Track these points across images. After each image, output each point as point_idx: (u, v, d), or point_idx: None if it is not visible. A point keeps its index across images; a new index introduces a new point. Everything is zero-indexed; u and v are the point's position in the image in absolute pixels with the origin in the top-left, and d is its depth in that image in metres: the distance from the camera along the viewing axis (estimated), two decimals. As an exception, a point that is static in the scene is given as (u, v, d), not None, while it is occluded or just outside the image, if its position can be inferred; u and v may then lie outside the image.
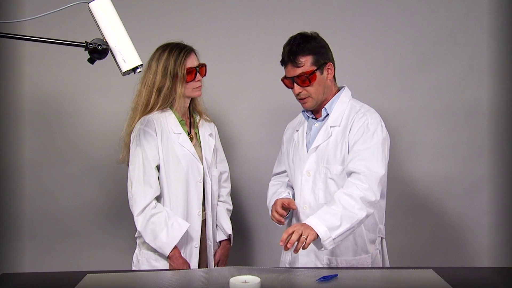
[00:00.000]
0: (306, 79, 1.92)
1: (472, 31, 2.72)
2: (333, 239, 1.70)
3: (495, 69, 2.72)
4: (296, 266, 2.01)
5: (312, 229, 1.68)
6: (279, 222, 2.00)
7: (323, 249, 1.72)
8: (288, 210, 2.02)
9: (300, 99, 1.98)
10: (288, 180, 2.19)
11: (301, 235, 1.64)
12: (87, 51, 1.63)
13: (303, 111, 2.09)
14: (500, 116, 2.74)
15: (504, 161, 2.76)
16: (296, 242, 1.64)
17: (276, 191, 2.16)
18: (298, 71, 1.92)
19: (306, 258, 1.99)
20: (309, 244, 1.66)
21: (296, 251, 1.67)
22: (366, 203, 1.78)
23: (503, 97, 2.74)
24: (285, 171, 2.22)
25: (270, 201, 2.14)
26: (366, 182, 1.80)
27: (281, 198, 2.03)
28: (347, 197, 1.77)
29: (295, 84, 1.94)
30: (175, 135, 2.10)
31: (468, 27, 2.72)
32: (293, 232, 1.65)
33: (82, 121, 2.75)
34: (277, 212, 1.98)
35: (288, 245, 1.63)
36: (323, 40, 1.99)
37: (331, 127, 1.98)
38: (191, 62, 2.09)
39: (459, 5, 2.72)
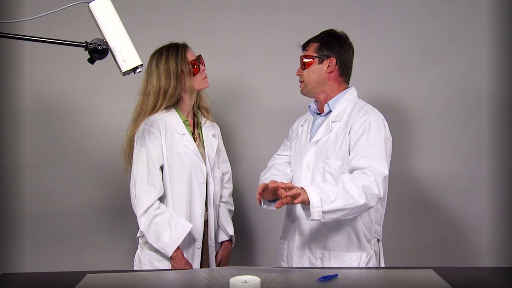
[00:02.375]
0: (303, 63, 2.04)
1: (472, 31, 2.72)
2: (323, 211, 1.73)
3: (495, 69, 2.72)
4: (291, 259, 2.04)
5: (307, 197, 1.72)
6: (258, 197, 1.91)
7: (310, 218, 1.74)
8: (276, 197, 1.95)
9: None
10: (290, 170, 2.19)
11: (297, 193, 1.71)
12: (87, 51, 1.63)
13: (308, 107, 2.13)
14: (500, 116, 2.74)
15: (504, 161, 2.76)
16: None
17: (275, 175, 2.12)
18: (304, 53, 2.06)
19: (300, 251, 2.02)
20: (298, 201, 1.70)
21: (285, 199, 1.71)
22: (368, 193, 1.78)
23: (503, 96, 2.74)
24: (287, 156, 2.23)
25: (267, 178, 2.07)
26: (372, 175, 1.82)
27: (280, 182, 1.87)
28: (350, 182, 1.79)
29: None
30: (179, 135, 2.10)
31: (468, 27, 2.72)
32: (291, 190, 1.70)
33: (82, 121, 2.75)
34: (259, 191, 1.88)
35: (283, 196, 1.70)
36: (343, 38, 2.04)
37: (332, 122, 2.00)
38: (191, 56, 2.12)
39: (459, 5, 2.72)
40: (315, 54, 2.01)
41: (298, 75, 2.07)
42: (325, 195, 1.74)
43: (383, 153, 1.88)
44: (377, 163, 1.85)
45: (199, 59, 2.13)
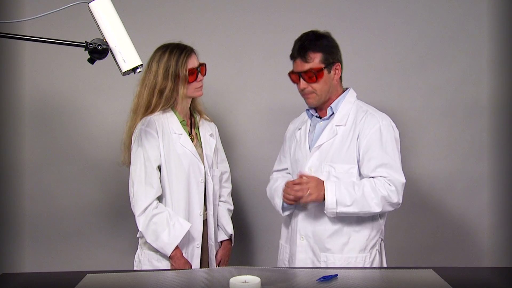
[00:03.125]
0: (313, 76, 1.94)
1: (472, 31, 2.72)
2: (337, 212, 1.86)
3: (495, 69, 2.72)
4: (294, 263, 2.03)
5: (322, 194, 1.84)
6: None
7: (324, 212, 1.89)
8: None
9: (304, 95, 2.01)
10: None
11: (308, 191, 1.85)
12: (87, 51, 1.63)
13: (307, 110, 2.11)
14: (500, 115, 2.75)
15: (504, 160, 2.76)
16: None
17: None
18: (306, 66, 1.95)
19: (304, 255, 2.01)
20: (310, 201, 1.87)
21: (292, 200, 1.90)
22: (386, 202, 1.87)
23: (503, 96, 2.74)
24: (286, 169, 2.22)
25: (277, 189, 2.11)
26: (393, 185, 1.88)
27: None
28: (371, 189, 1.87)
29: (301, 80, 1.97)
30: (176, 135, 2.10)
31: (468, 27, 2.72)
32: (303, 188, 1.86)
33: (82, 121, 2.75)
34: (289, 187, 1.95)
35: (290, 197, 1.88)
36: (334, 40, 2.02)
37: (336, 126, 1.98)
38: (192, 62, 2.09)
39: (459, 5, 2.72)
40: (323, 65, 1.94)
41: (304, 88, 1.96)
42: (342, 198, 1.85)
43: (398, 159, 1.94)
44: (395, 171, 1.91)
45: (199, 67, 2.10)
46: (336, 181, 1.91)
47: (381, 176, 1.89)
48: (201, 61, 2.14)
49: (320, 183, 1.87)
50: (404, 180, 1.91)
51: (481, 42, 2.72)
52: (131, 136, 2.11)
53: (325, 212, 1.88)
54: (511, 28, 2.70)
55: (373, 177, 1.90)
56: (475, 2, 2.71)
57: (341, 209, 1.86)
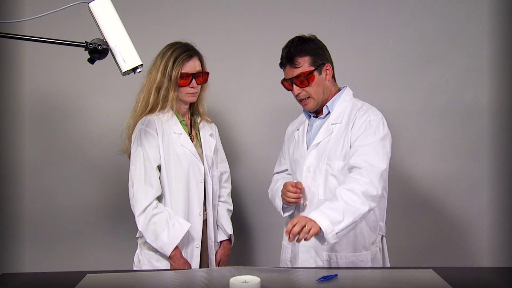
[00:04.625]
0: (304, 80, 1.95)
1: (472, 31, 2.72)
2: (336, 233, 1.71)
3: (495, 69, 2.72)
4: (296, 263, 2.03)
5: (315, 222, 1.68)
6: (297, 199, 1.98)
7: (326, 243, 1.73)
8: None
9: (300, 101, 2.02)
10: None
11: (304, 226, 1.65)
12: (87, 51, 1.63)
13: (304, 110, 2.12)
14: (500, 116, 2.74)
15: (504, 161, 2.76)
16: (298, 235, 1.65)
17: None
18: (296, 71, 1.96)
19: (306, 255, 2.00)
20: (311, 236, 1.66)
21: (298, 241, 1.67)
22: (368, 197, 1.78)
23: (503, 97, 2.74)
24: (286, 170, 2.23)
25: (277, 190, 2.13)
26: (367, 176, 1.81)
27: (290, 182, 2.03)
28: (349, 192, 1.78)
29: (294, 85, 1.98)
30: (176, 135, 2.10)
31: (468, 27, 2.72)
32: (296, 223, 1.66)
33: (82, 121, 2.75)
34: (290, 191, 1.97)
35: (291, 236, 1.64)
36: (320, 42, 2.02)
37: (332, 124, 1.99)
38: (190, 67, 2.06)
39: (459, 5, 2.72)
40: (312, 68, 1.95)
41: (298, 93, 1.98)
42: (332, 217, 1.71)
43: (381, 150, 1.88)
44: (374, 159, 1.84)
45: (196, 74, 2.07)
46: (316, 209, 1.79)
47: (358, 166, 1.83)
48: (207, 69, 2.13)
49: (307, 217, 1.72)
50: (384, 167, 1.84)
51: (481, 42, 2.72)
52: (133, 125, 2.11)
53: (326, 243, 1.72)
54: (511, 28, 2.69)
55: (353, 166, 1.85)
56: (475, 2, 2.71)
57: (338, 227, 1.71)
